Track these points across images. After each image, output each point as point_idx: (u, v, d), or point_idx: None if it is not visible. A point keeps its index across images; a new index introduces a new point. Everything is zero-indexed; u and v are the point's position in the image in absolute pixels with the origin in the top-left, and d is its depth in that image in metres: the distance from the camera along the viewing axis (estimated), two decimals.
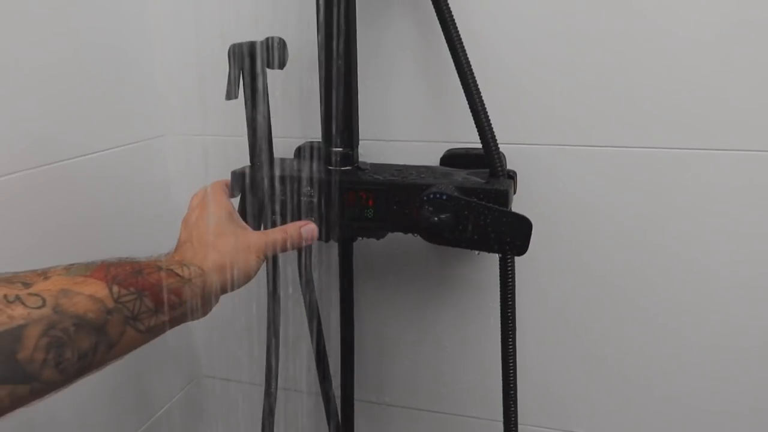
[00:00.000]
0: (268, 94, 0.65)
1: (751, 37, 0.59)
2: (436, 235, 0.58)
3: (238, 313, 0.85)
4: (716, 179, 0.63)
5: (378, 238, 0.71)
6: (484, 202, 0.57)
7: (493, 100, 0.66)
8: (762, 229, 0.63)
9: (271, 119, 0.70)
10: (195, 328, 0.89)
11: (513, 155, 0.68)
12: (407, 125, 0.71)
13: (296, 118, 0.75)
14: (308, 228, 0.56)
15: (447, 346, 0.78)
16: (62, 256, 0.65)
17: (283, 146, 0.75)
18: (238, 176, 0.65)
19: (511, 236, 0.56)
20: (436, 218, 0.57)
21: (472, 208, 0.57)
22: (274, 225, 0.64)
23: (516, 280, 0.67)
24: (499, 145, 0.65)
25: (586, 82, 0.64)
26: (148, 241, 0.80)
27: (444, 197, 0.57)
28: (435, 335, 0.78)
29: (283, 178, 0.64)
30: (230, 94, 0.63)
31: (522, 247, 0.57)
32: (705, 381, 0.69)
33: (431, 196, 0.57)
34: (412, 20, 0.68)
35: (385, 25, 0.69)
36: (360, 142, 0.71)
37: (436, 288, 0.76)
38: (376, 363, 0.82)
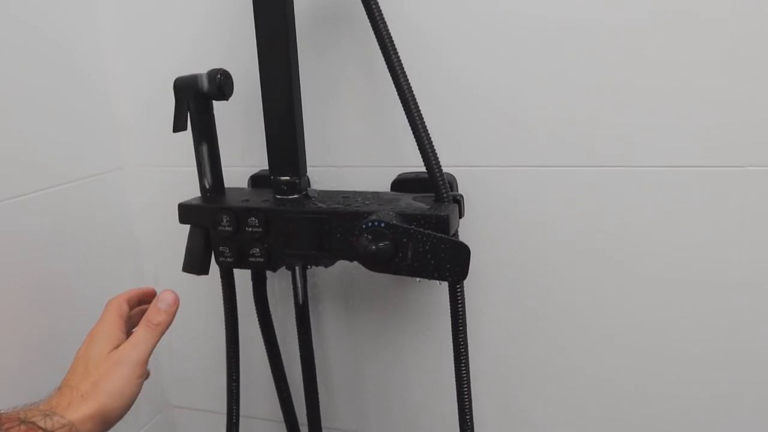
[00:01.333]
0: (214, 125, 0.67)
1: (702, 59, 0.59)
2: (375, 263, 0.58)
3: (205, 342, 0.85)
4: (665, 196, 0.62)
5: (326, 266, 0.71)
6: (422, 229, 0.56)
7: (444, 123, 0.67)
8: (715, 243, 0.62)
9: (227, 149, 0.72)
10: (161, 358, 0.88)
11: (465, 178, 0.68)
12: (359, 151, 0.72)
13: (251, 147, 0.75)
14: (165, 300, 0.54)
15: (411, 370, 0.77)
16: (18, 294, 0.67)
17: (239, 175, 0.76)
18: (185, 208, 0.67)
19: (450, 263, 0.56)
20: (374, 246, 0.57)
21: (411, 235, 0.56)
22: (222, 256, 0.65)
23: (473, 302, 0.69)
24: (451, 168, 0.68)
25: (536, 102, 0.64)
26: (108, 276, 0.80)
27: (382, 225, 0.57)
28: (399, 360, 0.77)
29: (229, 209, 0.64)
30: (177, 127, 0.65)
31: (461, 274, 0.56)
32: (667, 396, 0.67)
33: (369, 224, 0.57)
34: (361, 48, 0.68)
35: (333, 53, 0.70)
36: (312, 168, 0.72)
37: (398, 312, 0.76)
38: (342, 389, 0.81)
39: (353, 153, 0.72)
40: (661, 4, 0.58)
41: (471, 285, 0.70)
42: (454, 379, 0.64)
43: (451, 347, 0.64)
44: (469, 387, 0.64)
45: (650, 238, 0.64)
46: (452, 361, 0.64)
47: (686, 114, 0.59)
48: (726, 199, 0.60)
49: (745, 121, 0.58)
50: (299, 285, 0.69)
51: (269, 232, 0.64)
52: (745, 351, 0.63)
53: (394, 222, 0.57)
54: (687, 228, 0.62)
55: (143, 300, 0.57)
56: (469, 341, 0.63)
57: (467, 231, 0.69)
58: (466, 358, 0.64)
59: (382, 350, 0.78)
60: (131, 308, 0.56)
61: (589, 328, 0.68)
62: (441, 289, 0.71)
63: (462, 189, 0.69)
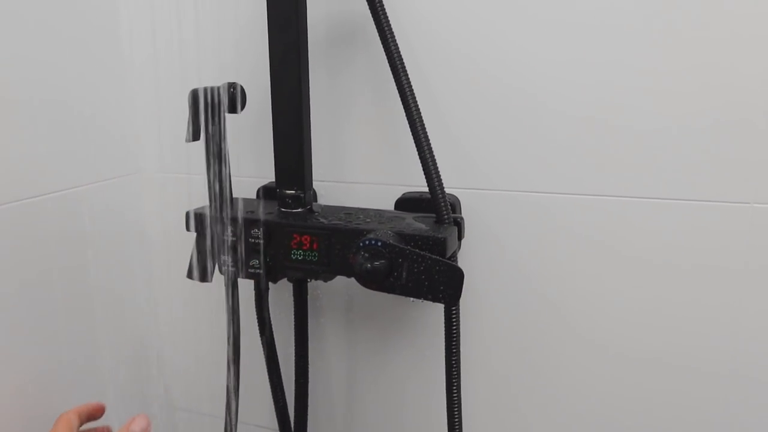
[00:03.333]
0: (225, 136, 0.68)
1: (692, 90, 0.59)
2: (370, 281, 0.59)
3: (206, 346, 0.87)
4: (669, 228, 0.62)
5: (325, 281, 0.72)
6: (417, 251, 0.57)
7: (451, 145, 0.68)
8: (700, 274, 0.62)
9: (239, 159, 0.74)
10: (164, 360, 0.91)
11: (468, 200, 0.69)
12: (367, 168, 0.73)
13: (262, 159, 0.77)
14: (137, 425, 0.56)
15: (407, 388, 0.78)
16: (32, 290, 0.70)
17: (249, 186, 0.78)
18: (192, 216, 0.69)
19: (444, 285, 0.57)
20: (369, 265, 0.58)
21: (406, 255, 0.57)
22: (225, 265, 0.67)
23: (470, 324, 0.70)
24: (455, 189, 0.69)
25: (542, 131, 0.64)
26: (120, 278, 0.82)
27: (379, 244, 0.58)
28: (395, 377, 0.78)
29: (233, 219, 0.66)
30: (191, 136, 0.67)
31: (453, 297, 0.57)
32: (670, 409, 0.67)
33: (366, 242, 0.58)
34: (374, 67, 0.69)
35: (347, 72, 0.71)
36: (321, 183, 0.74)
37: (397, 330, 0.76)
38: (336, 403, 0.82)
39: (361, 169, 0.73)
40: (673, 35, 0.58)
41: (468, 306, 0.70)
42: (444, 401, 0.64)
43: (443, 369, 0.64)
44: (459, 411, 0.64)
45: (651, 267, 0.63)
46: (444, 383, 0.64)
47: (695, 147, 0.59)
48: (731, 234, 0.60)
49: (755, 158, 0.58)
50: (299, 297, 0.71)
51: (270, 243, 0.65)
52: (748, 378, 0.62)
53: (391, 242, 0.58)
54: (690, 260, 0.62)
55: (92, 416, 0.60)
56: (464, 362, 0.64)
57: (468, 252, 0.69)
58: (458, 381, 0.64)
59: (379, 366, 0.78)
60: (81, 423, 0.59)
61: (591, 352, 0.68)
62: (439, 309, 0.70)
63: (465, 211, 0.69)
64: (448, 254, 0.60)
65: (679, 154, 0.60)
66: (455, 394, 0.64)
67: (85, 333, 0.78)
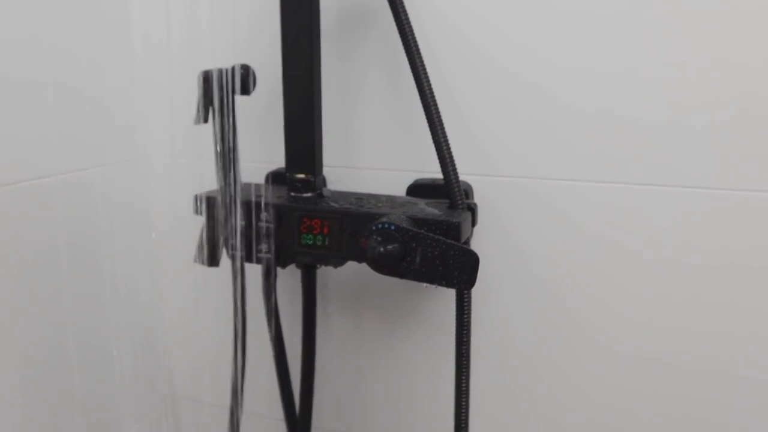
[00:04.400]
0: (235, 120, 0.67)
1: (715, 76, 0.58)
2: (382, 265, 0.58)
3: (212, 335, 0.87)
4: (689, 217, 0.62)
5: (335, 266, 0.71)
6: (431, 234, 0.56)
7: (465, 130, 0.68)
8: (727, 266, 0.61)
9: (249, 144, 0.73)
10: (168, 349, 0.90)
11: (482, 186, 0.69)
12: (378, 153, 0.72)
13: (272, 144, 0.77)
14: None
15: (414, 377, 0.77)
16: (35, 272, 0.69)
17: (258, 171, 0.77)
18: (200, 199, 0.68)
19: (458, 270, 0.56)
20: (382, 248, 0.57)
21: (420, 239, 0.56)
22: (233, 249, 0.66)
23: (480, 312, 0.69)
24: (468, 176, 0.68)
25: (563, 112, 0.64)
26: (127, 264, 0.82)
27: (392, 228, 0.57)
28: (402, 366, 0.77)
29: (243, 203, 0.66)
30: (199, 119, 0.66)
31: (468, 281, 0.56)
32: (667, 412, 0.66)
33: (379, 226, 0.58)
34: (387, 50, 0.69)
35: (359, 55, 0.71)
36: (331, 168, 0.73)
37: (406, 319, 0.76)
38: (341, 391, 0.82)
39: (372, 155, 0.73)
40: (687, 25, 0.58)
41: (479, 294, 0.70)
42: (451, 391, 0.64)
43: (451, 358, 0.64)
44: (467, 399, 0.64)
45: (672, 256, 0.63)
46: (452, 372, 0.64)
47: (720, 135, 0.59)
48: (756, 223, 0.60)
49: None
50: (308, 283, 0.70)
51: (280, 228, 0.64)
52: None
53: (405, 225, 0.57)
54: (712, 249, 0.62)
55: None
56: (473, 352, 0.63)
57: (480, 240, 0.69)
58: (467, 368, 0.63)
59: (386, 355, 0.78)
60: None
61: (600, 344, 0.68)
62: (450, 299, 0.71)
63: (477, 199, 0.69)
64: (462, 239, 0.59)
65: (710, 141, 0.60)
66: (464, 383, 0.63)
67: (91, 319, 0.77)
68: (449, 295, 0.71)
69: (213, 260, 0.67)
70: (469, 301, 0.62)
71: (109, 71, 0.78)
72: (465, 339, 0.63)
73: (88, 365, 0.77)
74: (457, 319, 0.62)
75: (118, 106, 0.80)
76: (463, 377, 0.63)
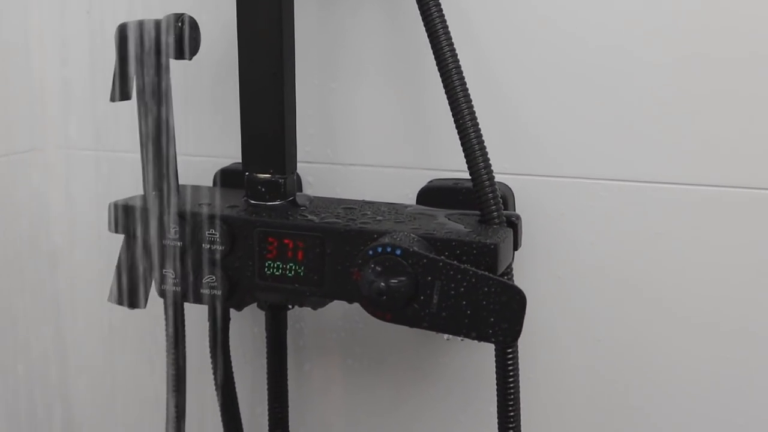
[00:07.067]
0: (169, 95, 0.67)
1: None
2: (383, 308, 0.57)
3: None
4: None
5: (315, 308, 0.70)
6: (456, 263, 0.55)
7: (501, 112, 0.68)
8: None
9: (190, 130, 0.75)
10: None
11: (528, 191, 0.69)
12: (375, 144, 0.73)
13: (222, 131, 0.76)
14: None
15: None
16: None
17: (203, 169, 0.78)
18: (119, 210, 0.67)
19: (495, 315, 0.55)
20: (383, 283, 0.55)
21: (439, 270, 0.55)
22: (166, 283, 0.67)
23: (524, 370, 0.67)
24: (506, 176, 0.69)
25: (626, 100, 0.65)
26: (12, 291, 0.82)
27: (397, 253, 0.56)
28: None
29: (179, 215, 0.65)
30: (118, 94, 0.66)
31: (510, 332, 0.55)
32: None
33: (379, 250, 0.56)
34: (388, 3, 0.70)
35: (352, 10, 0.71)
36: (308, 165, 0.75)
37: (419, 383, 0.76)
38: None
39: (366, 146, 0.73)
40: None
41: (527, 349, 0.68)
42: None
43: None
44: None
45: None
46: None
47: None
48: None
49: None
50: (275, 332, 0.70)
51: (234, 251, 0.64)
52: None
53: (415, 249, 0.56)
54: None
55: None
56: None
57: (525, 269, 0.69)
58: None
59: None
60: None
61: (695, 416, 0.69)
62: (485, 356, 0.70)
63: (521, 207, 0.69)
64: (501, 269, 0.58)
65: None
66: None
67: None
68: (484, 350, 0.70)
69: (135, 299, 0.67)
70: (516, 358, 0.61)
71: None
72: (512, 415, 0.62)
73: None
74: (498, 386, 0.62)
75: (14, 82, 0.80)
76: None
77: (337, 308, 0.73)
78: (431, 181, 0.70)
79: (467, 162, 0.61)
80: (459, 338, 0.59)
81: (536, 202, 0.68)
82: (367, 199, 0.70)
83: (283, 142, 0.65)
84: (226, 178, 0.75)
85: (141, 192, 0.69)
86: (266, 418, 0.74)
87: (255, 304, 0.70)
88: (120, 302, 0.67)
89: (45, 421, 0.88)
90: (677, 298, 0.67)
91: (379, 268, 0.56)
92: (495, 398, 0.62)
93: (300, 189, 0.73)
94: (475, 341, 0.62)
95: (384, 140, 0.72)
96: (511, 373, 0.61)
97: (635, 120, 0.65)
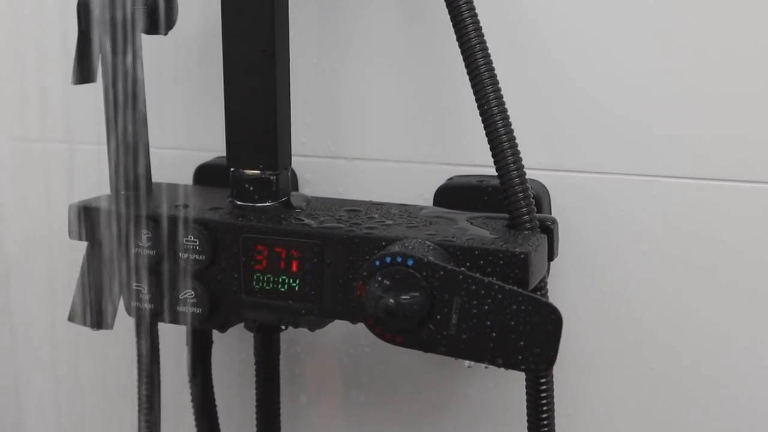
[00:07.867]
0: (140, 77, 0.67)
1: None
2: (393, 329, 0.56)
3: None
4: None
5: (312, 329, 0.70)
6: (479, 275, 0.54)
7: (532, 100, 0.69)
8: None
9: (163, 119, 0.73)
10: None
11: (566, 190, 0.69)
12: (384, 135, 0.73)
13: (204, 121, 0.77)
14: None
15: None
16: None
17: (180, 164, 0.78)
18: (82, 213, 0.67)
19: (526, 337, 0.53)
20: (392, 300, 0.54)
21: (459, 284, 0.54)
22: (137, 299, 0.67)
23: (569, 404, 0.70)
24: (539, 173, 0.70)
25: (684, 85, 0.65)
26: None
27: (410, 264, 0.55)
28: None
29: (152, 219, 0.65)
30: (81, 75, 0.66)
31: (542, 358, 0.53)
32: None
33: (388, 260, 0.55)
34: None
35: None
36: (305, 160, 0.75)
37: (436, 416, 0.76)
38: None
39: (374, 137, 0.73)
40: None
41: (562, 376, 0.67)
42: None
43: None
44: None
45: None
46: None
47: None
48: None
49: None
50: (266, 356, 0.71)
51: (216, 262, 0.63)
52: None
53: (431, 259, 0.55)
54: None
55: None
56: None
57: (561, 282, 0.69)
58: None
59: None
60: None
61: None
62: (513, 382, 0.69)
63: (557, 210, 0.69)
64: (533, 283, 0.57)
65: None
66: None
67: None
68: (512, 380, 0.69)
69: (100, 318, 0.67)
70: (550, 394, 0.60)
71: None
72: None
73: None
74: (530, 428, 0.61)
75: None
76: None
77: (339, 329, 0.74)
78: (451, 179, 0.70)
79: (493, 156, 0.60)
80: (482, 365, 0.56)
81: (576, 204, 0.68)
82: (374, 199, 0.70)
83: (275, 132, 0.65)
84: (208, 174, 0.75)
85: (107, 191, 0.69)
86: None
87: (242, 325, 0.70)
88: (83, 322, 0.67)
89: None
90: (752, 324, 0.66)
91: (387, 282, 0.55)
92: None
93: (295, 188, 0.73)
94: (502, 369, 0.60)
95: (395, 130, 0.72)
96: (545, 408, 0.61)
97: (705, 111, 0.64)
